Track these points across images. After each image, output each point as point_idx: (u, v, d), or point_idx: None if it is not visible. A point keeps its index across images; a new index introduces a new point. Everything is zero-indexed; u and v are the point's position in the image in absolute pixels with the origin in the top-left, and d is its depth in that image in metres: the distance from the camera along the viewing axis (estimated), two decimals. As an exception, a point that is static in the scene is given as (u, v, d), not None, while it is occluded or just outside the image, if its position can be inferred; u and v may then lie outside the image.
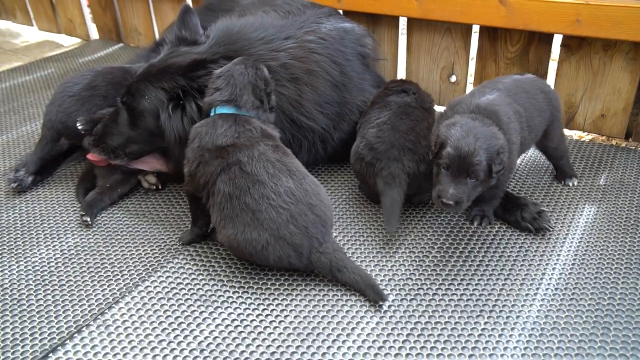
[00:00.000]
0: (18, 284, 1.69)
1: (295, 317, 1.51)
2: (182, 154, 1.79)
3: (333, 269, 1.55)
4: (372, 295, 1.52)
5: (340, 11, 2.71)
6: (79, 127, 2.02)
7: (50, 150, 2.18)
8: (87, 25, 4.12)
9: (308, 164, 2.11)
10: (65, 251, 1.82)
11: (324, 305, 1.54)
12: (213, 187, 1.62)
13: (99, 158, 2.02)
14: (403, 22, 2.77)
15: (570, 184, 2.03)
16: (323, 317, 1.50)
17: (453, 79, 2.69)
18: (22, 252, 1.83)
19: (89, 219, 1.94)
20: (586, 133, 2.52)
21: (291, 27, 2.08)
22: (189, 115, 1.85)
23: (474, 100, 1.71)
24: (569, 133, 2.54)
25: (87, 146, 2.02)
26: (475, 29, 2.58)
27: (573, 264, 1.65)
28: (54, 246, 1.85)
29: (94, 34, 4.16)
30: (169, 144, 1.90)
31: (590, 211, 1.90)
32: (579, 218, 1.86)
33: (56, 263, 1.77)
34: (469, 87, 2.71)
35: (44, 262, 1.78)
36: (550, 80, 2.51)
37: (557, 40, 2.40)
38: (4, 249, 1.85)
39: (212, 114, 1.74)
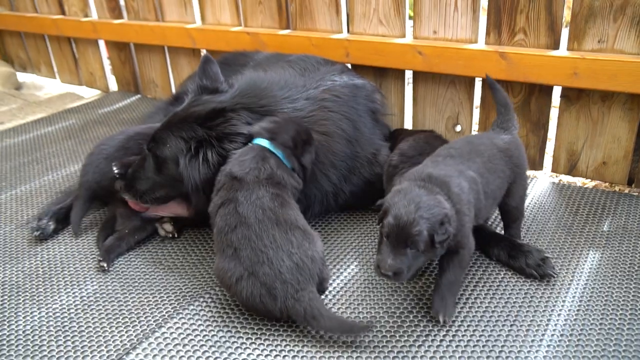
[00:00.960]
0: (39, 329, 1.75)
1: (306, 363, 1.55)
2: (200, 201, 1.89)
3: (307, 316, 1.58)
4: (353, 336, 1.59)
5: (349, 65, 2.85)
6: (115, 171, 2.12)
7: (88, 209, 2.31)
8: (106, 78, 4.32)
9: (320, 214, 2.20)
10: (85, 298, 1.89)
11: (334, 352, 1.58)
12: (214, 218, 1.78)
13: (134, 204, 2.16)
14: (409, 73, 2.89)
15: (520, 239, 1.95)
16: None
17: (458, 128, 2.79)
18: (43, 299, 1.90)
19: (105, 265, 2.02)
20: (589, 180, 2.58)
21: (310, 87, 2.19)
22: (206, 163, 1.93)
23: (426, 169, 1.68)
24: (572, 180, 2.60)
25: (119, 189, 2.12)
26: (479, 80, 2.70)
27: (578, 310, 1.69)
28: (74, 293, 1.92)
29: (113, 85, 4.35)
30: (188, 190, 1.99)
31: (594, 257, 1.94)
32: (584, 264, 1.90)
33: (76, 309, 1.83)
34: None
35: (64, 308, 1.84)
36: (552, 129, 2.59)
37: (558, 90, 2.50)
38: (26, 295, 1.92)
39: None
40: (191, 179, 1.95)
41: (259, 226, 1.68)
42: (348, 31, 2.94)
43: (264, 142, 1.89)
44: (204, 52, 3.68)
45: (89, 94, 4.41)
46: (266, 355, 1.59)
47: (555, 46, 2.39)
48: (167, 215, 2.21)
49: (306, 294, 1.61)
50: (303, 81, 2.21)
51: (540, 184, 2.49)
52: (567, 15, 2.41)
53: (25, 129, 3.59)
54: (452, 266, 1.65)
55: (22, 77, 4.90)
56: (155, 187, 2.08)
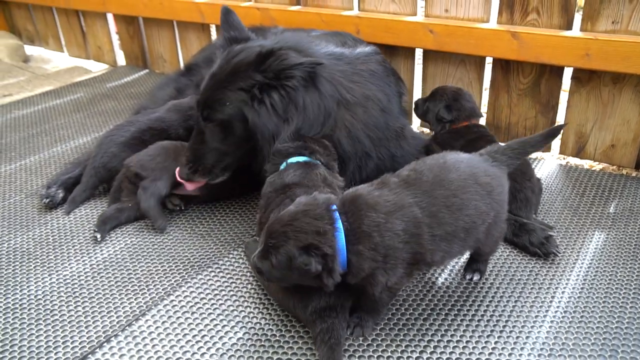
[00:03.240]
0: (50, 295, 1.78)
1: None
2: (268, 153, 1.87)
3: (319, 337, 1.46)
4: None
5: (359, 42, 2.84)
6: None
7: (91, 194, 2.33)
8: (114, 52, 4.32)
9: (350, 181, 2.13)
10: (95, 265, 1.92)
11: (340, 322, 1.61)
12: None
13: (199, 183, 2.08)
14: (419, 52, 2.88)
15: (470, 278, 1.76)
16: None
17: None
18: (54, 266, 1.93)
19: (99, 236, 2.04)
20: (597, 162, 2.58)
21: (350, 56, 2.15)
22: (274, 106, 1.84)
23: (364, 190, 1.46)
24: (580, 162, 2.60)
25: (184, 177, 2.02)
26: (489, 60, 2.69)
27: (582, 288, 1.71)
28: (83, 260, 1.95)
29: (121, 60, 4.35)
30: (262, 141, 1.88)
31: (599, 238, 1.95)
32: (589, 244, 1.92)
33: (86, 276, 1.86)
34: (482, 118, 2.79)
35: (74, 275, 1.87)
36: (562, 111, 2.59)
37: (568, 72, 2.49)
38: (37, 262, 1.95)
39: (282, 167, 1.80)
40: (266, 127, 1.84)
41: None
42: (359, 8, 2.92)
43: (301, 158, 1.81)
44: (213, 27, 3.68)
45: (97, 68, 4.41)
46: (273, 325, 1.62)
47: (568, 26, 2.37)
48: (180, 193, 2.22)
49: (333, 314, 1.48)
50: (341, 50, 2.17)
51: (547, 166, 2.49)
52: (581, -5, 2.38)
53: (34, 101, 3.60)
54: (364, 298, 1.50)
55: (29, 50, 4.89)
56: (222, 157, 1.97)
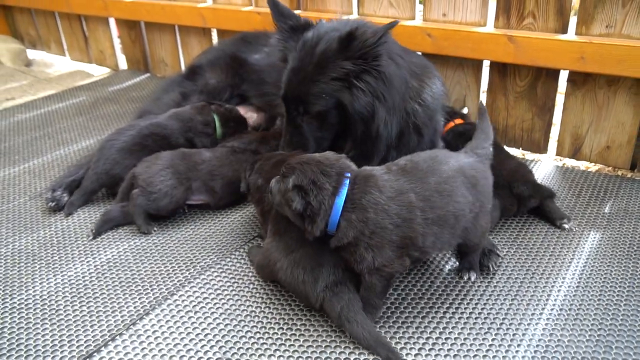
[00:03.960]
0: (56, 295, 1.81)
1: (314, 330, 1.61)
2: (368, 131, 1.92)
3: (342, 316, 1.53)
4: (386, 355, 1.47)
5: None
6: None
7: (90, 198, 2.36)
8: (116, 56, 4.36)
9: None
10: (99, 266, 1.95)
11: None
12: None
13: None
14: (417, 56, 2.92)
15: (467, 278, 1.79)
16: (341, 331, 1.60)
17: (465, 111, 2.82)
18: (59, 266, 1.96)
19: (93, 231, 2.10)
20: (593, 164, 2.62)
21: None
22: (370, 89, 1.86)
23: (372, 170, 1.60)
24: (576, 164, 2.64)
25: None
26: (486, 63, 2.73)
27: (577, 287, 1.74)
28: (87, 261, 1.98)
29: (123, 64, 4.39)
30: (361, 122, 1.91)
31: (595, 237, 1.99)
32: (584, 243, 1.95)
33: (90, 277, 1.90)
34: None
35: (79, 275, 1.91)
36: (558, 113, 2.62)
37: (564, 75, 2.53)
38: (42, 263, 1.98)
39: None
40: (365, 110, 1.88)
41: None
42: (358, 13, 2.96)
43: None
44: (214, 31, 3.72)
45: (99, 72, 4.45)
46: (274, 323, 1.65)
47: (564, 30, 2.41)
48: (195, 203, 2.24)
49: (345, 290, 1.56)
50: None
51: (544, 167, 2.53)
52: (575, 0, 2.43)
53: (37, 105, 3.64)
54: (362, 289, 1.59)
55: (31, 54, 4.94)
56: (320, 143, 2.00)
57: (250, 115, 2.71)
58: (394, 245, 1.50)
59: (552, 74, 2.52)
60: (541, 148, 2.68)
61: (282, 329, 1.63)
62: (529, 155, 2.68)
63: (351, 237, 1.50)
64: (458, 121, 2.46)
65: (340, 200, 1.51)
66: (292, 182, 1.52)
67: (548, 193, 2.10)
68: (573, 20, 2.38)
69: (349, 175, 1.55)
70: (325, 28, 1.97)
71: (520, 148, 2.75)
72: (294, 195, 1.52)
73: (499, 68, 2.65)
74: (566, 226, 2.03)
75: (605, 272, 1.80)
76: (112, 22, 4.23)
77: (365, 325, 1.51)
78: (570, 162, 2.67)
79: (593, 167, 2.61)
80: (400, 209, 1.50)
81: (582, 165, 2.65)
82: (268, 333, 1.61)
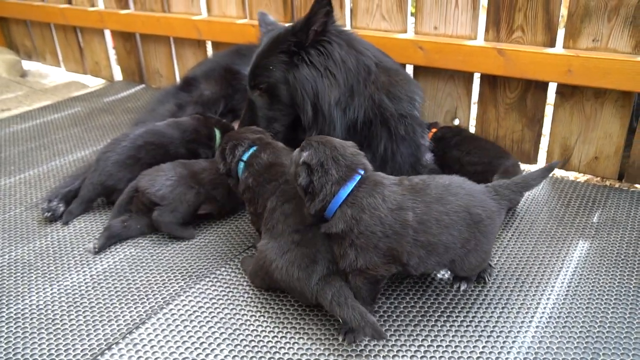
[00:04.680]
0: (52, 305, 1.83)
1: (308, 339, 1.64)
2: (316, 108, 1.99)
3: (333, 302, 1.56)
4: (371, 333, 1.50)
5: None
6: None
7: (87, 208, 2.37)
8: (111, 68, 4.39)
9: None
10: (95, 276, 1.97)
11: (335, 329, 1.67)
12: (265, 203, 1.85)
13: None
14: (410, 68, 2.97)
15: (457, 287, 1.81)
16: (334, 339, 1.63)
17: (456, 122, 2.87)
18: (55, 276, 1.97)
19: (96, 247, 2.09)
20: (582, 174, 2.67)
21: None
22: (312, 61, 1.97)
23: (384, 175, 1.67)
24: (565, 174, 2.69)
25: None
26: (477, 75, 2.78)
27: (566, 295, 1.78)
28: (84, 271, 2.00)
29: (118, 75, 4.42)
30: (305, 99, 1.99)
31: (583, 246, 2.03)
32: (573, 252, 1.99)
33: (86, 286, 1.91)
34: (471, 130, 2.88)
35: (75, 285, 1.92)
36: (547, 124, 2.68)
37: (553, 87, 2.59)
38: (38, 273, 2.00)
39: (240, 166, 1.93)
40: (307, 82, 1.97)
41: None
42: (351, 26, 3.02)
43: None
44: (209, 43, 3.76)
45: (94, 83, 4.48)
46: (269, 332, 1.67)
47: (552, 44, 2.47)
48: (200, 212, 2.25)
49: (337, 278, 1.62)
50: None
51: (534, 177, 2.57)
52: (564, 14, 2.49)
53: (32, 116, 3.66)
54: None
55: (27, 65, 4.96)
56: (270, 123, 2.12)
57: None
58: (380, 252, 1.55)
59: (541, 86, 2.57)
60: (531, 159, 2.73)
61: (277, 337, 1.65)
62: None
63: (340, 229, 1.56)
64: (434, 130, 2.60)
65: (344, 192, 1.58)
66: (303, 157, 1.61)
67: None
68: (561, 34, 2.44)
69: (361, 173, 1.62)
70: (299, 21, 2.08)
71: (511, 158, 2.80)
72: (301, 170, 1.60)
73: (489, 80, 2.71)
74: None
75: (594, 280, 1.84)
76: (107, 33, 4.27)
77: (354, 307, 1.53)
78: (559, 173, 2.72)
79: (582, 178, 2.66)
80: (395, 222, 1.54)
81: (572, 175, 2.70)
82: (263, 341, 1.64)
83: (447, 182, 1.65)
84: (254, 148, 1.92)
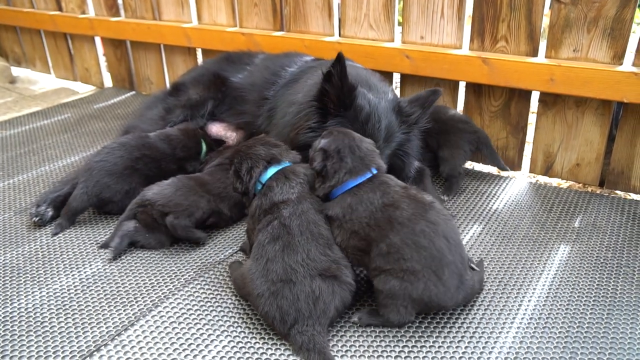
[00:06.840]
0: (41, 308, 1.84)
1: (294, 340, 1.66)
2: None
3: (303, 349, 1.57)
4: None
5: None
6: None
7: (76, 217, 2.35)
8: (102, 74, 4.41)
9: None
10: (84, 279, 1.98)
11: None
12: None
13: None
14: (397, 76, 3.03)
15: None
16: (320, 340, 1.65)
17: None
18: (44, 280, 1.99)
19: (113, 249, 2.08)
20: (564, 180, 2.73)
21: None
22: None
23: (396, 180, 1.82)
24: (548, 181, 2.75)
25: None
26: (462, 84, 2.84)
27: (547, 297, 1.82)
28: (72, 275, 2.01)
29: (108, 82, 4.44)
30: None
31: (565, 250, 2.08)
32: (555, 256, 2.04)
33: (75, 290, 1.93)
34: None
35: (64, 289, 1.94)
36: (531, 132, 2.74)
37: (536, 96, 2.65)
38: (27, 277, 2.01)
39: (265, 180, 1.85)
40: None
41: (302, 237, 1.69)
42: (339, 34, 3.07)
43: (277, 168, 1.87)
44: (199, 50, 3.80)
45: (84, 89, 4.49)
46: (256, 333, 1.70)
47: (534, 53, 2.54)
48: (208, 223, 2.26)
49: (310, 329, 1.59)
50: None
51: (518, 184, 2.63)
52: (545, 25, 2.56)
53: (21, 122, 3.66)
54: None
55: (16, 71, 4.96)
56: None
57: (230, 135, 2.78)
58: (357, 236, 1.69)
59: (525, 95, 2.64)
60: (515, 165, 2.79)
61: (264, 338, 1.68)
62: (503, 172, 2.78)
63: (334, 213, 1.73)
64: None
65: (353, 183, 1.73)
66: (322, 144, 1.75)
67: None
68: (543, 44, 2.51)
69: (375, 171, 1.76)
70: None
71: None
72: (317, 155, 1.74)
73: (474, 88, 2.76)
74: None
75: (574, 283, 1.89)
76: (97, 40, 4.29)
77: (321, 352, 1.55)
78: (543, 179, 2.78)
79: (564, 184, 2.73)
80: (383, 216, 1.66)
81: (554, 182, 2.76)
82: (250, 342, 1.66)
83: (446, 213, 1.71)
84: (272, 170, 1.86)
